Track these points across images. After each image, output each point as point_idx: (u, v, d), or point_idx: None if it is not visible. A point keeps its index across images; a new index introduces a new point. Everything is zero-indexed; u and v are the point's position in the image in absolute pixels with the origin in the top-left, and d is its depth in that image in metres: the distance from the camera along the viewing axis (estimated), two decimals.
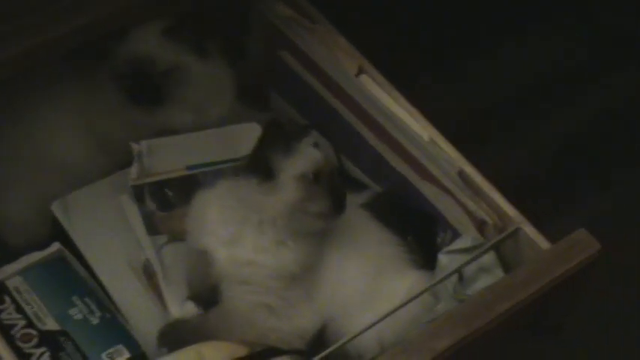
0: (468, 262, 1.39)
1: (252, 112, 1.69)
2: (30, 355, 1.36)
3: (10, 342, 1.36)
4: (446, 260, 1.43)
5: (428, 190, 1.51)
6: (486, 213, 1.45)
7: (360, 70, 1.56)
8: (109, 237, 1.52)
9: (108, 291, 1.48)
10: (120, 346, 1.39)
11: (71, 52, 1.46)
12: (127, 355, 1.38)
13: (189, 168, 1.58)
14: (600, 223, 1.45)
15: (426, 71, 2.10)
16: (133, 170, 1.54)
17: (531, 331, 1.42)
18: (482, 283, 1.40)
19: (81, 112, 1.59)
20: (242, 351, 1.34)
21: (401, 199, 1.54)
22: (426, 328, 1.29)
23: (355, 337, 1.32)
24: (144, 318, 1.46)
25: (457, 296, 1.39)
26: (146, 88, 1.57)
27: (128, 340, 1.40)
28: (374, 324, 1.32)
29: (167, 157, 1.57)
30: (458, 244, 1.44)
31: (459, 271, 1.40)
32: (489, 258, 1.42)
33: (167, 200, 1.54)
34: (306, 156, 1.37)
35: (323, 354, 1.28)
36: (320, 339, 1.39)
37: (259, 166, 1.35)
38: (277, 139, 1.35)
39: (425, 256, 1.45)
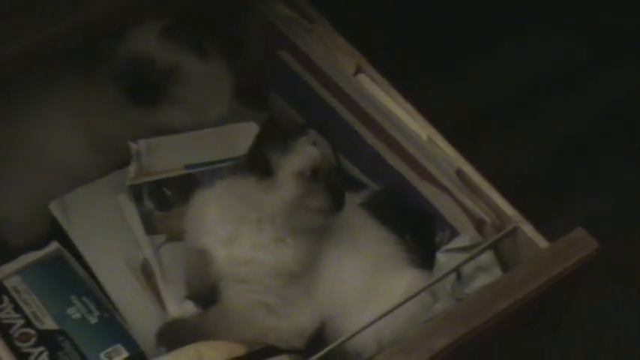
0: (466, 261, 1.39)
1: (251, 111, 1.69)
2: (28, 354, 1.36)
3: (9, 341, 1.36)
4: (444, 259, 1.43)
5: (426, 188, 1.51)
6: (485, 212, 1.45)
7: (358, 69, 1.56)
8: (107, 236, 1.52)
9: (106, 290, 1.48)
10: (118, 346, 1.38)
11: (70, 52, 1.46)
12: (125, 354, 1.38)
13: (187, 167, 1.57)
14: (599, 222, 1.45)
15: (426, 71, 2.10)
16: (131, 169, 1.53)
17: (529, 329, 1.42)
18: (481, 281, 1.40)
19: (79, 111, 1.59)
20: (241, 350, 1.34)
21: (399, 198, 1.55)
22: (424, 327, 1.29)
23: (353, 335, 1.32)
24: (142, 317, 1.46)
25: (455, 295, 1.39)
26: (145, 87, 1.56)
27: (126, 339, 1.40)
28: (372, 323, 1.32)
29: (165, 156, 1.56)
30: (456, 242, 1.45)
31: (457, 269, 1.40)
32: (487, 257, 1.42)
33: (165, 199, 1.54)
34: (304, 153, 1.36)
35: (321, 353, 1.28)
36: (318, 337, 1.39)
37: (257, 164, 1.35)
38: (274, 137, 1.35)
39: (423, 254, 1.45)
